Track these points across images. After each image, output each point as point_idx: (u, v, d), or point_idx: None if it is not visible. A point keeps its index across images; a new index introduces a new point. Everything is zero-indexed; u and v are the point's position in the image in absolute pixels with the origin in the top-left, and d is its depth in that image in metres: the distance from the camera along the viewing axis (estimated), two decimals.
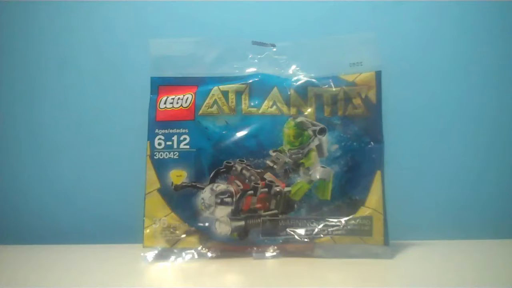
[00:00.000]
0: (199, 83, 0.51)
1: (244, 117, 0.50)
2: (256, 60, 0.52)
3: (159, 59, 0.51)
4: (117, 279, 0.42)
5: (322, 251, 0.48)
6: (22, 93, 0.63)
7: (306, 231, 0.48)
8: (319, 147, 0.49)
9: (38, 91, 0.62)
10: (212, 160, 0.49)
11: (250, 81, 0.51)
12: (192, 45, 0.51)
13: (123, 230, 0.56)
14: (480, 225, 0.59)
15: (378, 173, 0.49)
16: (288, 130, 0.49)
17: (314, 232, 0.48)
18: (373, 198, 0.49)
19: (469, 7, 0.60)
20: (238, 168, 0.49)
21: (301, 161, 0.49)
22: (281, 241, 0.48)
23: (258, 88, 0.50)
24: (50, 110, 0.62)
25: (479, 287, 0.38)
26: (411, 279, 0.41)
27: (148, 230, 0.49)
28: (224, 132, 0.49)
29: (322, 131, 0.49)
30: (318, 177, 0.49)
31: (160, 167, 0.49)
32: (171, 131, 0.50)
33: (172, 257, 0.48)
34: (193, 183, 0.49)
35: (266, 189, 0.49)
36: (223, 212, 0.48)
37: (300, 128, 0.49)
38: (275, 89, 0.50)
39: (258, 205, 0.49)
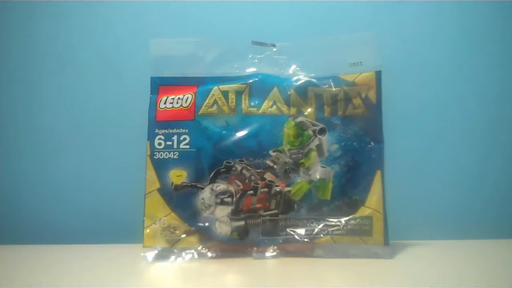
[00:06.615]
0: (199, 83, 0.51)
1: (244, 117, 0.50)
2: (256, 60, 0.52)
3: (159, 59, 0.51)
4: (117, 279, 0.42)
5: (322, 251, 0.48)
6: (22, 92, 0.62)
7: (306, 231, 0.48)
8: (319, 147, 0.49)
9: (38, 91, 0.62)
10: (212, 160, 0.49)
11: (250, 81, 0.51)
12: (192, 45, 0.51)
13: (123, 230, 0.56)
14: (480, 225, 0.59)
15: (378, 173, 0.49)
16: (288, 130, 0.49)
17: (314, 232, 0.48)
18: (373, 198, 0.49)
19: (469, 7, 0.60)
20: (238, 168, 0.49)
21: (301, 161, 0.49)
22: (281, 241, 0.48)
23: (258, 88, 0.50)
24: (50, 110, 0.62)
25: (479, 287, 0.38)
26: (411, 279, 0.41)
27: (148, 230, 0.49)
28: (224, 132, 0.49)
29: (322, 131, 0.49)
30: (318, 177, 0.49)
31: (160, 167, 0.49)
32: (171, 131, 0.50)
33: (172, 257, 0.48)
34: (193, 183, 0.49)
35: (266, 189, 0.49)
36: (223, 212, 0.48)
37: (300, 128, 0.49)
38: (275, 89, 0.50)
39: (258, 205, 0.49)
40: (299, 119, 0.50)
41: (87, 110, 0.62)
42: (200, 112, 0.50)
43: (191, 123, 0.50)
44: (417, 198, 0.60)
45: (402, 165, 0.58)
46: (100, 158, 0.62)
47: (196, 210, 0.49)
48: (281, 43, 0.52)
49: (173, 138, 0.49)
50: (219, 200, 0.48)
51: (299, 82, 0.51)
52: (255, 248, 0.48)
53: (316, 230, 0.48)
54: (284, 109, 0.50)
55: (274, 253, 0.48)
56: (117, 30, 0.62)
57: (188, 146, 0.49)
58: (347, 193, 0.49)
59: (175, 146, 0.49)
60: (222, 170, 0.49)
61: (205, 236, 0.48)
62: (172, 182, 0.49)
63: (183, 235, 0.48)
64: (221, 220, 0.48)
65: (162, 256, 0.48)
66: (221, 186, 0.49)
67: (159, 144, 0.49)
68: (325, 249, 0.48)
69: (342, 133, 0.50)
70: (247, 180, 0.49)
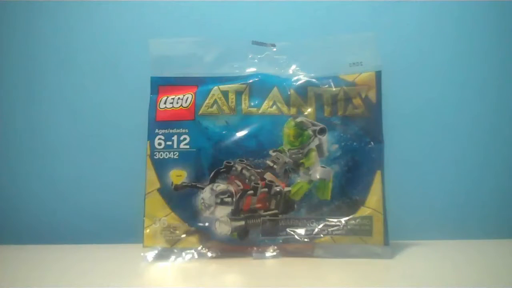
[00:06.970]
0: (199, 83, 0.51)
1: (244, 117, 0.50)
2: (256, 60, 0.52)
3: (159, 59, 0.51)
4: (117, 279, 0.42)
5: (322, 251, 0.48)
6: (22, 92, 0.62)
7: (306, 231, 0.48)
8: (319, 147, 0.49)
9: (38, 91, 0.62)
10: (212, 160, 0.49)
11: (250, 81, 0.50)
12: (192, 45, 0.51)
13: (123, 230, 0.56)
14: (480, 225, 0.59)
15: (378, 173, 0.49)
16: (288, 130, 0.49)
17: (314, 232, 0.48)
18: (373, 198, 0.49)
19: (469, 7, 0.60)
20: (238, 168, 0.49)
21: (301, 161, 0.49)
22: (281, 241, 0.48)
23: (258, 88, 0.50)
24: (50, 109, 0.62)
25: (479, 287, 0.38)
26: (411, 279, 0.41)
27: (148, 230, 0.49)
28: (224, 132, 0.49)
29: (322, 131, 0.49)
30: (318, 177, 0.49)
31: (160, 167, 0.49)
32: (171, 131, 0.50)
33: (172, 257, 0.48)
34: (193, 183, 0.49)
35: (266, 189, 0.49)
36: (223, 212, 0.48)
37: (300, 128, 0.49)
38: (275, 89, 0.50)
39: (258, 205, 0.49)
40: (299, 119, 0.50)
41: (87, 110, 0.62)
42: (200, 112, 0.50)
43: (191, 123, 0.50)
44: (417, 198, 0.60)
45: (402, 165, 0.58)
46: (100, 158, 0.62)
47: (196, 210, 0.49)
48: (281, 43, 0.52)
49: (173, 138, 0.49)
50: (219, 200, 0.48)
51: (299, 82, 0.51)
52: (255, 248, 0.48)
53: (316, 230, 0.48)
54: (284, 109, 0.50)
55: (274, 253, 0.48)
56: (117, 30, 0.62)
57: (188, 146, 0.49)
58: (347, 193, 0.49)
59: (175, 146, 0.49)
60: (222, 170, 0.49)
61: (205, 236, 0.48)
62: (172, 182, 0.49)
63: (183, 235, 0.48)
64: (221, 220, 0.48)
65: (162, 256, 0.48)
66: (221, 186, 0.49)
67: (159, 144, 0.49)
68: (325, 249, 0.48)
69: (342, 133, 0.50)
70: (247, 180, 0.49)
